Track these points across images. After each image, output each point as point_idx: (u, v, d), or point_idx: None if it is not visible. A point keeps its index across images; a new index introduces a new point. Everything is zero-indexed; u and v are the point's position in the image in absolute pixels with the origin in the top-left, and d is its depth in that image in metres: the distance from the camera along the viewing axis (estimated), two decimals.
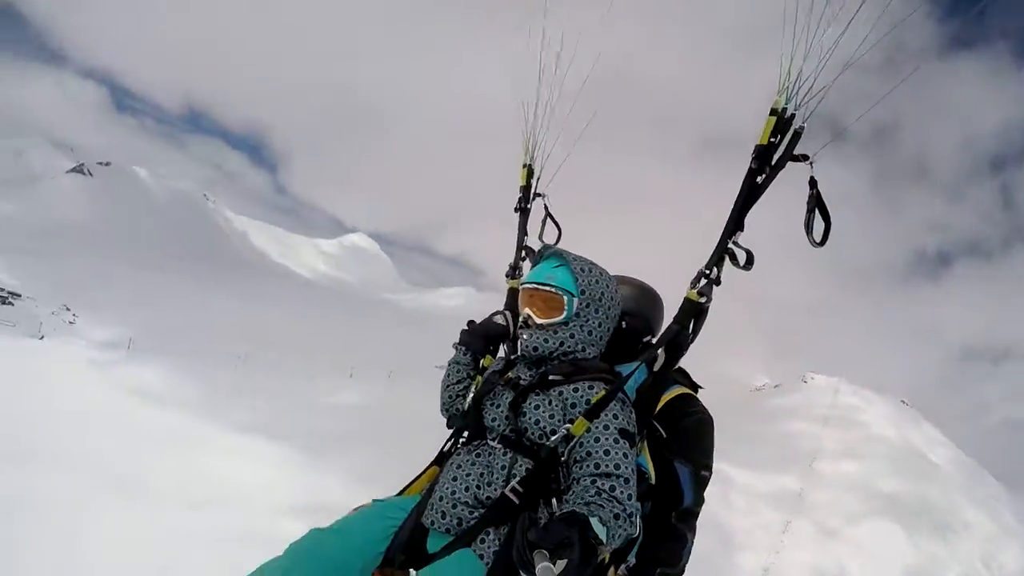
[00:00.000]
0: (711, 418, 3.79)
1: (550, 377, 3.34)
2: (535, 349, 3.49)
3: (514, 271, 4.32)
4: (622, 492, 2.87)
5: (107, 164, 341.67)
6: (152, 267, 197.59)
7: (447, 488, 3.29)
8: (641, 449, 3.40)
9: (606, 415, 3.11)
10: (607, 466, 2.95)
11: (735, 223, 3.34)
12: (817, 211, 3.28)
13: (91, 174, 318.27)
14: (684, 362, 3.59)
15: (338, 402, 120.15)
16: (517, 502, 3.07)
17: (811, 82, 3.24)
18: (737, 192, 3.38)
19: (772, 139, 3.30)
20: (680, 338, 3.40)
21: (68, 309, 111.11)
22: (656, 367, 3.45)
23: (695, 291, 3.35)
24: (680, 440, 3.59)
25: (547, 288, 3.51)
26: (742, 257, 3.30)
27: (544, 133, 4.33)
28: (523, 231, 4.45)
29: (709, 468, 3.66)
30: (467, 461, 3.35)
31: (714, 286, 3.37)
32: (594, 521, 2.54)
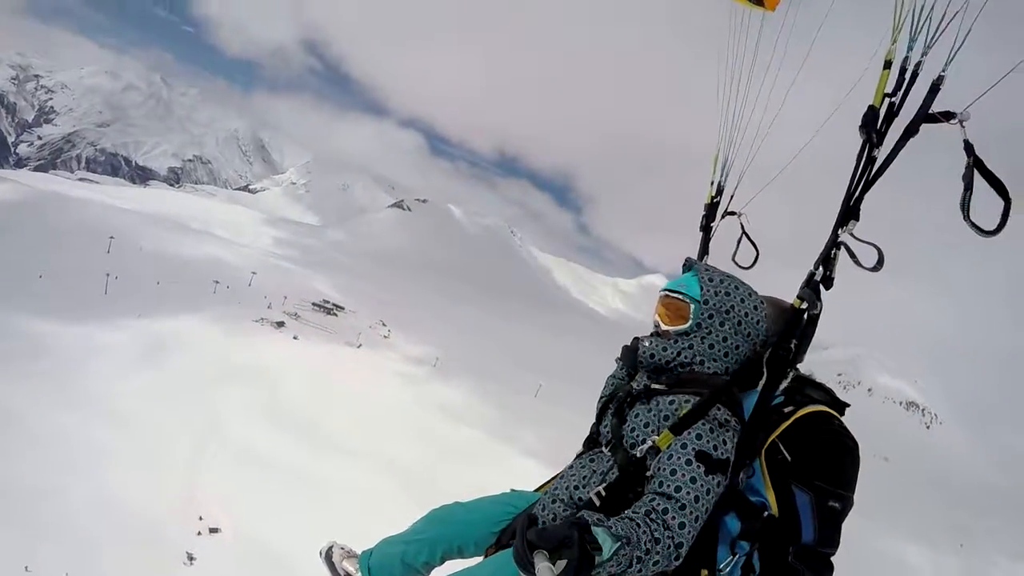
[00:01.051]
0: (853, 442, 3.17)
1: (652, 386, 3.27)
2: (652, 356, 3.35)
3: None
4: (674, 518, 2.75)
5: (424, 201, 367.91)
6: (461, 295, 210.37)
7: (553, 486, 3.53)
8: (762, 477, 3.12)
9: (689, 433, 2.95)
10: (667, 487, 2.84)
11: (847, 211, 2.85)
12: (985, 183, 2.54)
13: (409, 209, 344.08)
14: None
15: None
16: (598, 505, 3.10)
17: (945, 9, 2.56)
18: (851, 172, 2.86)
19: (891, 98, 2.70)
20: (779, 352, 3.09)
21: (384, 325, 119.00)
22: (759, 386, 3.14)
23: (797, 296, 3.00)
24: (804, 463, 3.07)
25: (676, 295, 3.39)
26: (869, 256, 2.79)
27: (741, 148, 3.91)
28: (703, 251, 4.19)
29: (840, 497, 3.06)
30: (579, 464, 3.51)
31: (822, 289, 2.96)
32: (599, 530, 2.50)
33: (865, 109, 2.78)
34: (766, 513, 3.03)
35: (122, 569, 44.71)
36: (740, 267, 4.01)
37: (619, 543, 2.48)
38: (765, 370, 3.10)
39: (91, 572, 43.40)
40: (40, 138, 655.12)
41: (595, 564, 2.38)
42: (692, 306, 3.31)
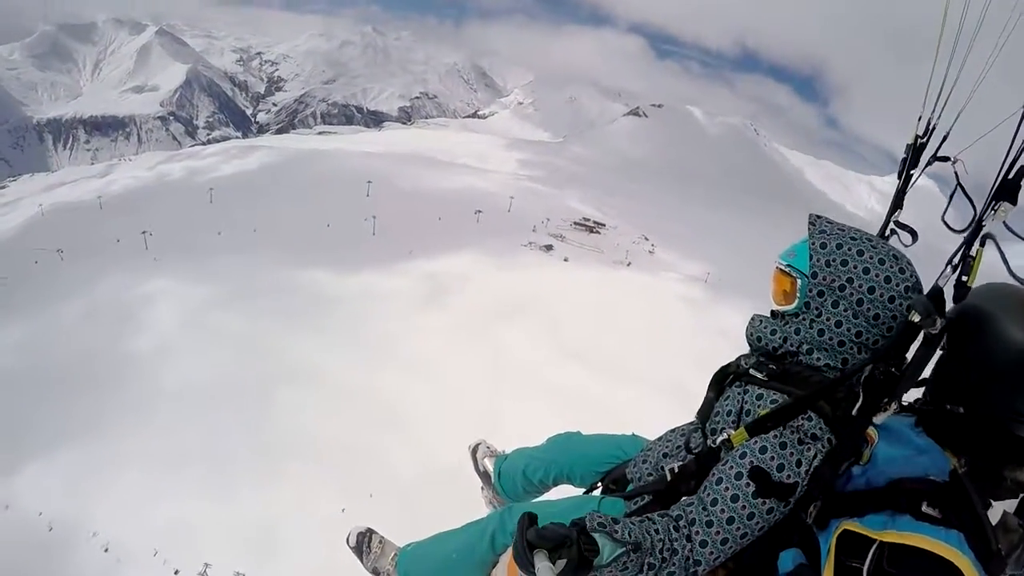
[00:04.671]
0: None
1: (750, 372, 2.77)
2: (758, 340, 2.80)
3: None
4: (698, 533, 2.43)
5: (659, 106, 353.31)
6: (715, 202, 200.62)
7: (649, 445, 3.34)
8: (826, 557, 2.35)
9: (757, 442, 2.48)
10: (706, 495, 2.50)
11: (1000, 187, 2.11)
12: None
13: (646, 115, 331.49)
14: None
15: None
16: (669, 480, 2.89)
17: None
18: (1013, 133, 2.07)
19: None
20: (876, 373, 2.34)
21: (646, 239, 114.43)
22: (855, 410, 2.34)
23: (909, 305, 2.26)
24: None
25: (783, 267, 2.76)
26: None
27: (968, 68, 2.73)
28: (896, 203, 3.20)
29: None
30: (678, 431, 3.24)
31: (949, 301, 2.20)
32: (598, 534, 2.29)
33: None
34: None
35: (434, 509, 43.37)
36: (952, 230, 2.57)
37: (621, 549, 2.25)
38: (860, 393, 2.28)
39: (406, 513, 42.50)
40: (275, 105, 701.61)
41: (593, 566, 2.23)
42: (799, 281, 2.65)
